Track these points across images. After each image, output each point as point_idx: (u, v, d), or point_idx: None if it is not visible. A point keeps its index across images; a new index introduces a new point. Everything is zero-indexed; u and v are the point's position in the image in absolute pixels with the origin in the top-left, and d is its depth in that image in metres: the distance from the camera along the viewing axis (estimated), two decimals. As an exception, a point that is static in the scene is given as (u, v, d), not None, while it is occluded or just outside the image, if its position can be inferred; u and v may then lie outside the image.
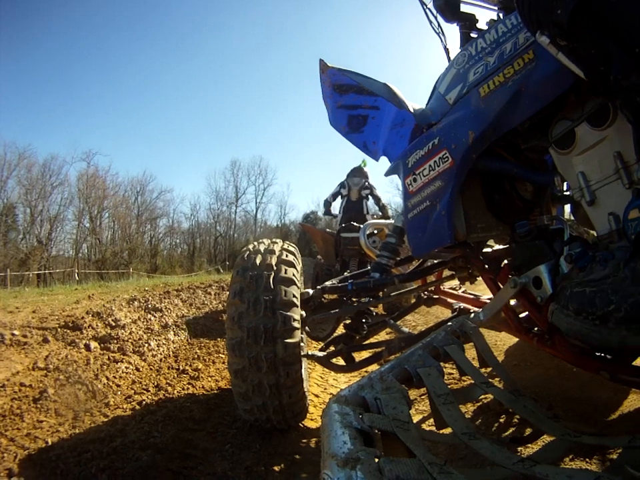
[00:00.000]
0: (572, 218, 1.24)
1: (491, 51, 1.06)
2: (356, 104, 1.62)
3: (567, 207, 1.36)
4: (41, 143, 41.80)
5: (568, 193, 1.10)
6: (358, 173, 5.11)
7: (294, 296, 1.32)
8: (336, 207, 5.31)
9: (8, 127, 37.40)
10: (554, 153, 0.96)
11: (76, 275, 16.81)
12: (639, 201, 0.74)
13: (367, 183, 5.06)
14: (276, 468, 1.25)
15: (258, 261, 1.35)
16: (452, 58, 1.29)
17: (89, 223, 24.54)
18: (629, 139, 0.76)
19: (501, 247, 1.38)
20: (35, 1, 35.06)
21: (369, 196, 5.07)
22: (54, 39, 38.60)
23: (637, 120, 0.69)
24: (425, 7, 1.49)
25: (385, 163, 1.76)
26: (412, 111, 1.31)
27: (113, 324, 2.78)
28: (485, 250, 1.34)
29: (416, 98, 1.39)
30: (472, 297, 1.74)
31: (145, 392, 1.88)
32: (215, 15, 46.28)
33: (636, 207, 0.74)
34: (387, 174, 1.56)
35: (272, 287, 1.29)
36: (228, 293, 1.40)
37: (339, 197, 5.21)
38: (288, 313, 1.27)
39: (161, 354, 2.55)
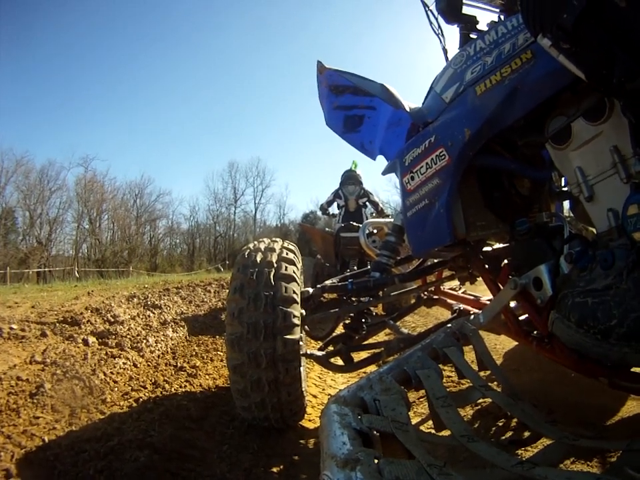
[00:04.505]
0: (571, 214, 1.24)
1: (490, 51, 1.07)
2: (352, 104, 1.63)
3: (566, 204, 1.35)
4: (38, 149, 41.95)
5: (566, 189, 1.10)
6: (352, 180, 5.00)
7: (294, 292, 1.32)
8: (333, 209, 5.29)
9: (4, 134, 37.40)
10: (550, 148, 0.96)
11: (76, 272, 16.82)
12: (637, 195, 0.74)
13: (362, 191, 5.00)
14: (275, 469, 1.24)
15: (259, 259, 1.35)
16: (450, 58, 1.29)
17: (89, 225, 24.66)
18: (625, 133, 0.76)
19: (501, 246, 1.38)
20: (30, 6, 34.96)
21: (367, 203, 5.03)
22: (49, 43, 38.55)
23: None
24: (426, 9, 1.49)
25: (380, 161, 1.77)
26: (408, 110, 1.31)
27: (112, 320, 2.78)
28: (485, 249, 1.34)
29: (414, 98, 1.40)
30: (472, 298, 1.74)
31: (142, 389, 1.87)
32: (212, 16, 46.13)
33: (635, 203, 0.74)
34: (384, 173, 1.56)
35: (272, 283, 1.29)
36: (227, 290, 1.40)
37: (336, 207, 5.17)
38: (288, 309, 1.27)
39: (158, 350, 2.55)
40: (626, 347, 0.66)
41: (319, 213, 6.47)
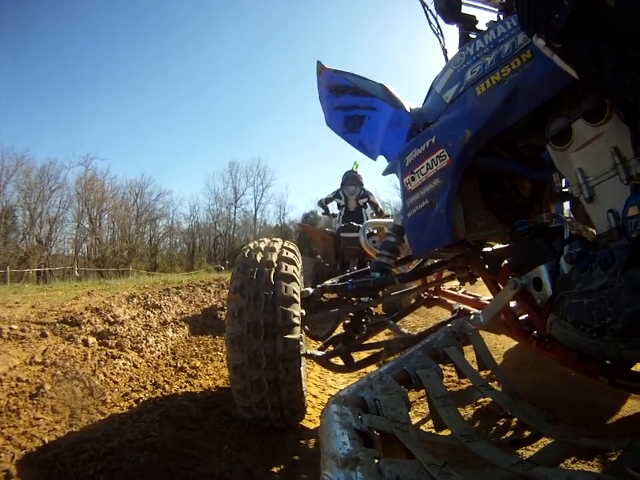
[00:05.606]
0: (571, 215, 1.24)
1: (489, 51, 1.06)
2: (352, 105, 1.62)
3: (566, 205, 1.35)
4: (39, 148, 42.04)
5: (567, 190, 1.10)
6: (353, 180, 4.99)
7: (294, 292, 1.32)
8: (333, 208, 5.29)
9: (5, 133, 37.53)
10: (551, 149, 0.96)
11: (76, 272, 16.81)
12: (637, 197, 0.74)
13: (363, 191, 5.00)
14: (275, 469, 1.24)
15: (259, 258, 1.35)
16: (450, 58, 1.29)
17: (89, 224, 24.67)
18: (625, 134, 0.76)
19: (501, 246, 1.38)
20: (31, 4, 34.94)
21: (367, 204, 5.03)
22: (50, 43, 38.60)
23: (630, 119, 0.70)
24: (425, 8, 1.49)
25: (380, 162, 1.76)
26: (408, 110, 1.31)
27: (112, 320, 2.78)
28: (485, 249, 1.34)
29: (414, 97, 1.40)
30: (472, 298, 1.73)
31: (142, 389, 1.87)
32: (213, 16, 46.22)
33: (635, 204, 0.74)
34: (385, 173, 1.56)
35: (272, 282, 1.29)
36: (227, 290, 1.40)
37: (337, 207, 5.17)
38: (288, 309, 1.27)
39: (159, 351, 2.55)
40: (621, 344, 0.66)
41: (319, 213, 6.47)
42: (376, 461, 0.52)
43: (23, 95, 38.62)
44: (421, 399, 1.62)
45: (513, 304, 1.09)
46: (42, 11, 36.55)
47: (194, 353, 2.59)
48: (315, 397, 1.91)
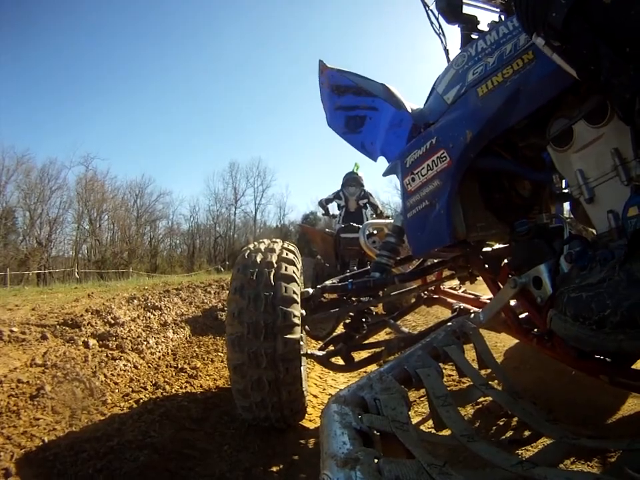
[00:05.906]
0: (571, 216, 1.24)
1: (491, 52, 1.06)
2: (354, 105, 1.62)
3: (566, 205, 1.35)
4: (40, 148, 41.87)
5: (567, 191, 1.10)
6: (353, 182, 5.01)
7: (294, 292, 1.32)
8: (333, 208, 5.30)
9: (6, 132, 37.60)
10: (552, 150, 0.96)
11: (76, 274, 16.82)
12: (637, 198, 0.74)
13: (363, 192, 5.02)
14: (274, 469, 1.24)
15: (259, 259, 1.36)
16: (451, 59, 1.29)
17: (89, 225, 24.60)
18: (626, 135, 0.76)
19: (501, 246, 1.38)
20: (32, 3, 35.01)
21: (367, 205, 5.04)
22: (50, 43, 38.64)
23: (627, 117, 0.70)
24: (426, 8, 1.49)
25: (381, 163, 1.76)
26: (410, 111, 1.31)
27: (112, 322, 2.78)
28: (484, 249, 1.34)
29: (415, 98, 1.39)
30: (472, 296, 1.74)
31: (142, 390, 1.87)
32: (213, 16, 46.23)
33: (635, 204, 0.74)
34: (385, 174, 1.56)
35: (272, 283, 1.29)
36: (227, 291, 1.40)
37: (337, 207, 5.18)
38: (288, 309, 1.27)
39: (159, 352, 2.55)
40: (621, 335, 0.66)
41: (320, 213, 6.47)
42: (375, 460, 0.52)
43: (23, 94, 38.61)
44: (421, 399, 1.62)
45: (512, 302, 1.09)
46: (42, 10, 36.54)
47: (194, 354, 2.59)
48: (315, 396, 1.91)
